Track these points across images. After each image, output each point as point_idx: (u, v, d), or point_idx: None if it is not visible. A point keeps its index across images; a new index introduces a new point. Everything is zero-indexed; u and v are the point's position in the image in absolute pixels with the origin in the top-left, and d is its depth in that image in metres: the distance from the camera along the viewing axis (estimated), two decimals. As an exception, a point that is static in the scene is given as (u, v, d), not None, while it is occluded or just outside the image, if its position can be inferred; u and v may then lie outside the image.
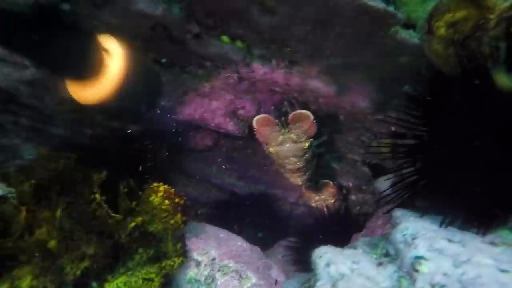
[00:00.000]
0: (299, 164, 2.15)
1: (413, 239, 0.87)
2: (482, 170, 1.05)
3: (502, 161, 1.05)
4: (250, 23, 1.50)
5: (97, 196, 1.48)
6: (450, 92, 1.25)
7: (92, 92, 1.33)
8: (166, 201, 1.81)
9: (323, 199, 2.67)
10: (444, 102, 1.24)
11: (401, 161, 1.23)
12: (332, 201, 2.64)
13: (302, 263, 2.23)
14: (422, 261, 0.81)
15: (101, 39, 1.32)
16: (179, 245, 1.76)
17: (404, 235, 0.91)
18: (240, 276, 1.69)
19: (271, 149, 2.09)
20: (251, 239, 2.34)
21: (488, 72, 1.14)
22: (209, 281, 1.64)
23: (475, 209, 1.03)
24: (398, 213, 1.12)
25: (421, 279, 0.77)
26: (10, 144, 1.81)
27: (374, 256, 0.96)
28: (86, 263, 1.39)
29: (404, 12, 1.52)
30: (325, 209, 2.58)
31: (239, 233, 2.38)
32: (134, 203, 1.78)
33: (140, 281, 1.56)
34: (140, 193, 1.83)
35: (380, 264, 0.90)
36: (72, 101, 1.45)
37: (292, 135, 1.99)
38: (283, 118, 1.96)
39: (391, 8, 1.38)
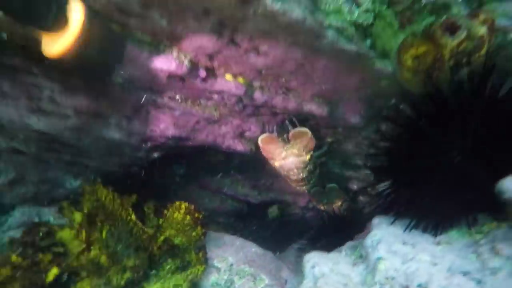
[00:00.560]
0: (302, 175, 2.49)
1: (378, 244, 1.19)
2: (437, 181, 1.35)
3: (454, 171, 1.35)
4: (248, 64, 1.84)
5: (132, 217, 1.86)
6: (417, 108, 1.55)
7: (57, 44, 1.42)
8: (188, 217, 2.19)
9: (331, 202, 2.97)
10: (412, 118, 1.54)
11: (378, 175, 1.55)
12: (339, 203, 2.95)
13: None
14: (381, 260, 1.12)
15: None
16: (201, 254, 2.12)
17: (372, 241, 1.22)
18: (255, 278, 2.04)
19: (276, 163, 2.43)
20: (265, 243, 2.69)
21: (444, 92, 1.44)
22: (229, 284, 1.99)
23: (433, 215, 1.34)
24: (375, 220, 1.44)
25: (379, 274, 1.08)
26: (54, 176, 2.21)
27: (353, 257, 1.28)
28: (128, 274, 1.77)
29: (379, 43, 1.83)
30: (333, 211, 2.89)
31: (253, 238, 2.74)
32: (160, 220, 2.16)
33: (171, 287, 1.93)
34: (165, 211, 2.20)
35: (355, 264, 1.22)
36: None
37: (294, 150, 2.32)
38: (285, 136, 2.30)
39: (364, 49, 1.69)
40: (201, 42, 1.65)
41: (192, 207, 2.21)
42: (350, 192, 2.96)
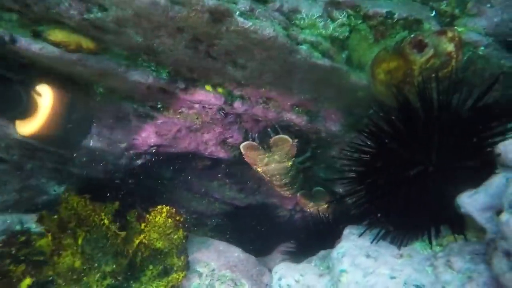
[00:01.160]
0: (285, 180, 2.56)
1: (342, 256, 1.25)
2: (404, 193, 1.42)
3: (419, 184, 1.41)
4: (227, 75, 1.89)
5: (105, 221, 1.91)
6: (388, 121, 1.61)
7: (29, 126, 1.79)
8: (169, 220, 2.24)
9: (317, 204, 3.04)
10: (382, 131, 1.60)
11: (350, 186, 1.61)
12: (325, 206, 3.01)
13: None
14: (344, 273, 1.18)
15: (35, 87, 1.76)
16: (183, 257, 2.17)
17: (338, 253, 1.29)
18: (235, 284, 2.10)
19: (259, 169, 2.49)
20: (250, 247, 2.74)
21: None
22: (209, 289, 2.05)
23: (400, 227, 1.41)
24: (346, 231, 1.50)
25: (341, 286, 1.14)
26: (37, 183, 2.26)
27: (321, 268, 1.34)
28: (108, 280, 1.82)
29: (355, 56, 1.89)
30: (319, 214, 2.94)
31: (239, 241, 2.80)
32: (142, 224, 2.21)
33: (153, 293, 1.99)
34: (147, 215, 2.25)
35: (321, 275, 1.28)
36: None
37: (276, 157, 2.38)
38: (268, 142, 2.35)
39: (338, 63, 1.74)
40: (177, 56, 1.70)
41: (174, 210, 2.27)
42: (336, 195, 3.02)
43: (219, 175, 3.04)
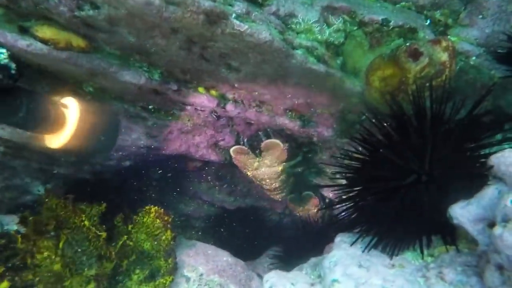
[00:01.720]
0: (275, 185, 2.54)
1: (334, 265, 1.24)
2: (395, 201, 1.41)
3: (411, 193, 1.41)
4: (220, 78, 1.86)
5: (86, 222, 1.86)
6: (381, 129, 1.61)
7: (56, 139, 1.79)
8: (157, 220, 2.20)
9: (307, 209, 3.03)
10: (375, 139, 1.59)
11: (340, 193, 1.60)
12: (315, 210, 3.01)
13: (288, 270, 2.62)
14: (336, 283, 1.17)
15: (60, 99, 1.76)
16: (170, 260, 2.13)
17: (330, 262, 1.28)
18: (223, 289, 2.07)
19: (248, 173, 2.47)
20: (239, 250, 2.72)
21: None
22: (197, 294, 2.02)
23: (391, 236, 1.40)
24: (337, 239, 1.49)
25: (333, 296, 1.14)
26: (21, 183, 2.19)
27: (312, 277, 1.33)
28: (92, 285, 1.77)
29: (350, 62, 1.88)
30: (308, 218, 2.94)
31: (227, 245, 2.77)
32: (130, 226, 2.16)
33: (138, 298, 1.94)
34: (135, 216, 2.20)
35: (312, 284, 1.27)
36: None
37: (266, 161, 2.37)
38: (259, 146, 2.33)
39: (332, 69, 1.73)
40: (170, 57, 1.66)
41: (162, 210, 2.23)
42: (326, 199, 3.02)
43: (209, 178, 3.01)
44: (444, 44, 1.54)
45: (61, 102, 1.75)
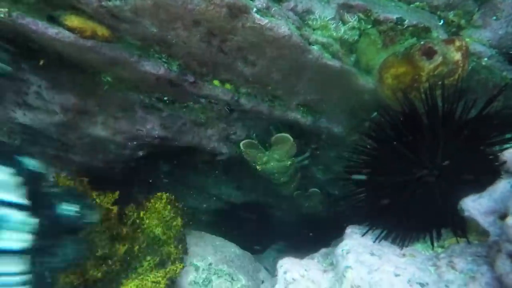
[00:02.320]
0: (283, 179, 2.58)
1: (347, 253, 1.28)
2: (407, 195, 1.45)
3: (423, 187, 1.45)
4: (236, 71, 1.90)
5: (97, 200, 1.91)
6: (394, 125, 1.64)
7: None
8: (169, 207, 2.24)
9: (313, 205, 3.07)
10: (388, 134, 1.63)
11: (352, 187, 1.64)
12: (320, 208, 3.05)
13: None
14: (349, 269, 1.21)
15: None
16: (181, 246, 2.17)
17: (342, 250, 1.31)
18: (232, 278, 2.11)
19: (258, 167, 2.51)
20: (246, 243, 2.76)
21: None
22: (206, 283, 2.06)
23: (402, 228, 1.44)
24: (348, 230, 1.53)
25: (346, 282, 1.17)
26: (37, 170, 2.23)
27: (324, 264, 1.37)
28: (105, 267, 1.82)
29: (363, 59, 1.92)
30: (314, 215, 2.98)
31: (234, 238, 2.81)
32: (142, 212, 2.21)
33: (149, 284, 1.99)
34: (146, 202, 2.25)
35: (325, 271, 1.30)
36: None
37: (275, 155, 2.40)
38: (269, 140, 2.37)
39: (347, 65, 1.77)
40: (190, 49, 1.70)
41: (173, 197, 2.27)
42: (331, 196, 3.05)
43: (217, 172, 3.04)
44: (457, 43, 1.57)
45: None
